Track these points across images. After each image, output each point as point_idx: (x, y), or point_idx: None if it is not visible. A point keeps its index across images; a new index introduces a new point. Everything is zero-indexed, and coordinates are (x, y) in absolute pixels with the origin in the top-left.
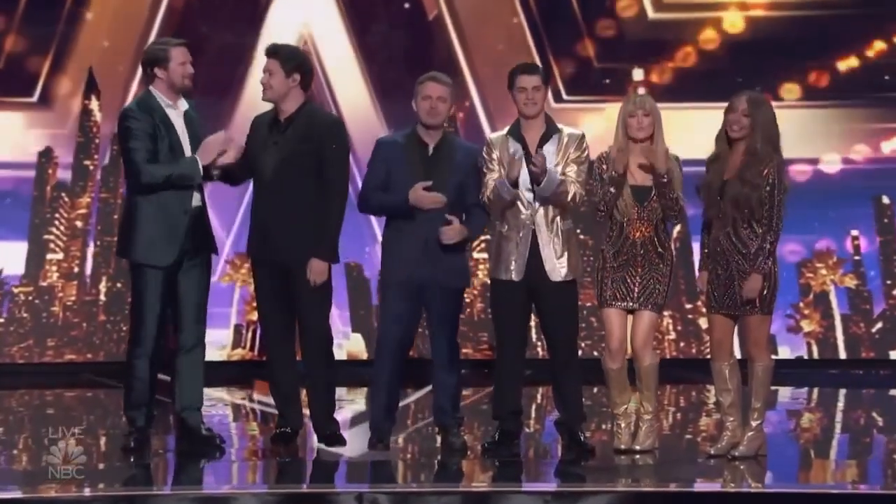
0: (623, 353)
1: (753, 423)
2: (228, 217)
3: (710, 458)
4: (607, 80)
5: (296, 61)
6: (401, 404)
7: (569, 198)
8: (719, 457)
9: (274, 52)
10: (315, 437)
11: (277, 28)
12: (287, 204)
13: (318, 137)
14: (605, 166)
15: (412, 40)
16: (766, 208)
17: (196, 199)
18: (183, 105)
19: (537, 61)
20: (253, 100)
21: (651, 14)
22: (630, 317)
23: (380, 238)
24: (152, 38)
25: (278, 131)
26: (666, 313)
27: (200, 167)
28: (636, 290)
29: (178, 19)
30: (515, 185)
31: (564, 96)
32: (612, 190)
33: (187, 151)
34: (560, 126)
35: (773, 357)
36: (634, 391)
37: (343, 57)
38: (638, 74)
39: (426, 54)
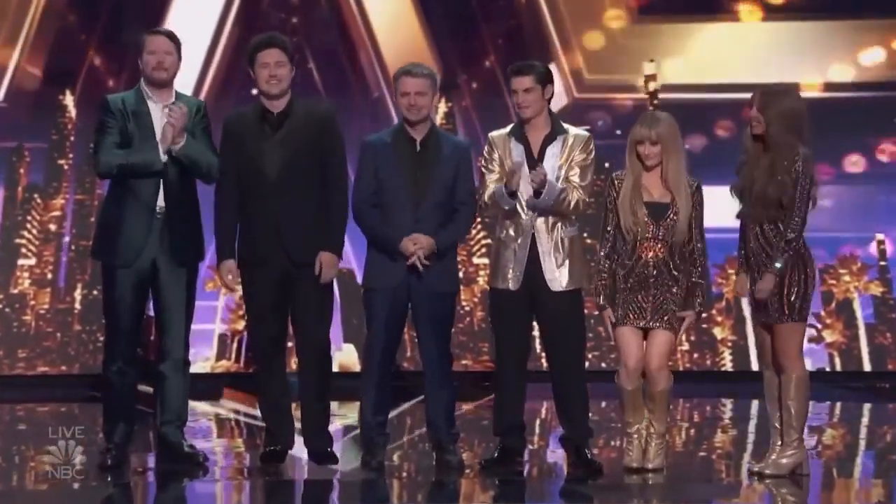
0: (639, 374)
1: (788, 440)
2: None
3: (753, 474)
4: None
5: (292, 53)
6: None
7: (571, 206)
8: (760, 474)
9: (278, 42)
10: (306, 454)
11: (181, 19)
12: (298, 202)
13: (317, 130)
14: (615, 192)
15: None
16: (788, 200)
17: (163, 199)
18: (169, 98)
19: None
20: None
21: None
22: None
23: None
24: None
25: (274, 127)
26: None
27: (160, 153)
28: (649, 308)
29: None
30: (514, 195)
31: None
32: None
33: (162, 145)
34: (566, 126)
35: None
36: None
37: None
38: (649, 68)
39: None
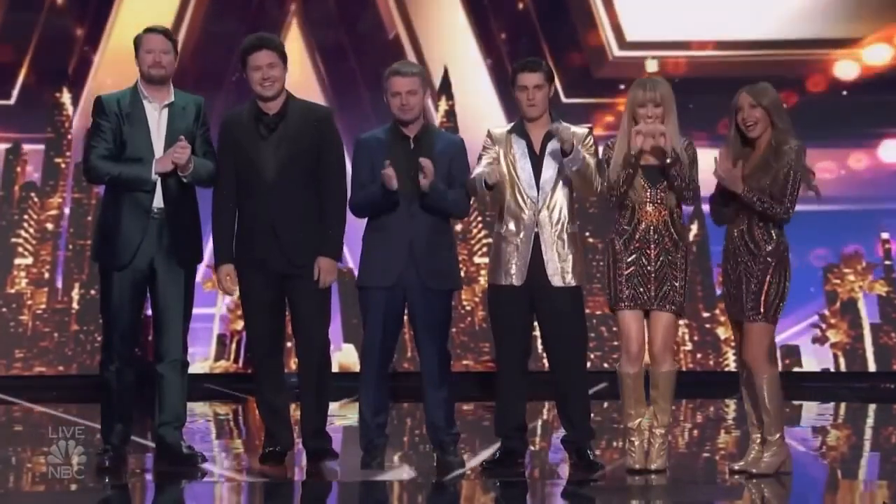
0: (641, 357)
1: (770, 439)
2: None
3: (734, 473)
4: None
5: (284, 52)
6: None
7: (595, 183)
8: (742, 473)
9: (269, 43)
10: (305, 455)
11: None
12: (294, 203)
13: (314, 131)
14: (612, 152)
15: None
16: (779, 186)
17: (159, 201)
18: (166, 98)
19: None
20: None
21: None
22: (647, 317)
23: None
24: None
25: (270, 128)
26: (682, 322)
27: (152, 173)
28: (652, 288)
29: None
30: (489, 188)
31: None
32: (628, 171)
33: (157, 147)
34: (566, 124)
35: (797, 370)
36: (649, 406)
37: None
38: (652, 66)
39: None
